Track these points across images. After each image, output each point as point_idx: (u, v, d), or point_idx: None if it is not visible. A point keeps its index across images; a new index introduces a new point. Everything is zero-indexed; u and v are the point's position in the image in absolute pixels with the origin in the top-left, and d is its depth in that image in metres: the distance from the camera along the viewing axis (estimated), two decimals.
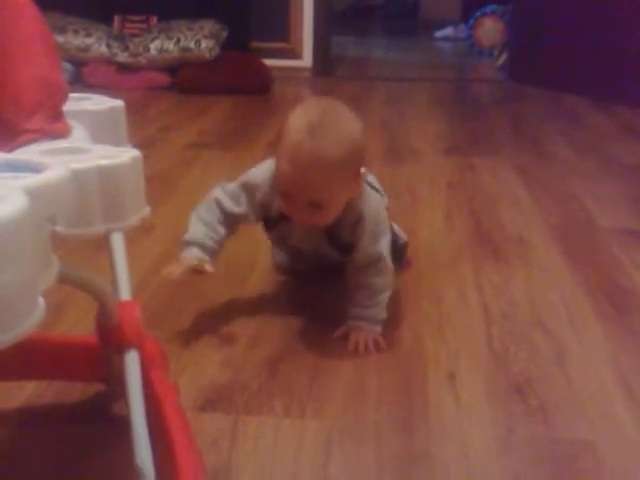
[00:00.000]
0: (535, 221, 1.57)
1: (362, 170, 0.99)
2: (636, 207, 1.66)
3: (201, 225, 1.04)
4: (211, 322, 1.11)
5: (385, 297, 1.05)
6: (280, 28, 3.18)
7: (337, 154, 0.92)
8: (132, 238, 1.40)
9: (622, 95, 2.70)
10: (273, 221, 1.08)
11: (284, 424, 0.88)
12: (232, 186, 1.07)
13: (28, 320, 0.45)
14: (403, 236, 1.28)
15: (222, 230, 1.05)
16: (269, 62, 2.96)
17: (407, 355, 1.00)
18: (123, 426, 0.69)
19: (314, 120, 0.93)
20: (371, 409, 0.92)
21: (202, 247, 1.03)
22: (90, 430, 0.87)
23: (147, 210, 0.61)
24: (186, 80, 2.82)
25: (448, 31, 4.64)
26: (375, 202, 1.06)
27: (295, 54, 3.24)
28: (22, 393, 0.92)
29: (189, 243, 1.03)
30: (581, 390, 0.97)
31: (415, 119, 2.55)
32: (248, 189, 1.06)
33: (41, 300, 0.47)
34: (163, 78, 2.86)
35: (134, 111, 2.48)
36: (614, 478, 0.81)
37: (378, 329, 1.05)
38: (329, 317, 1.13)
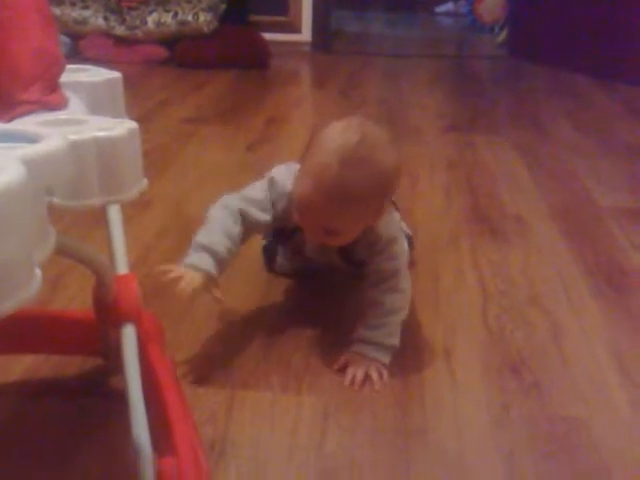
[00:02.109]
0: (534, 200, 1.57)
1: (388, 202, 0.92)
2: (636, 186, 1.66)
3: (223, 237, 0.92)
4: (209, 298, 1.11)
5: (397, 320, 0.95)
6: (279, 1, 3.14)
7: (364, 188, 0.85)
8: (130, 213, 1.40)
9: (624, 73, 2.68)
10: (289, 232, 1.01)
11: (281, 399, 0.89)
12: (257, 194, 0.97)
13: (25, 291, 0.44)
14: (408, 232, 1.20)
15: (239, 244, 0.95)
16: (268, 36, 2.93)
17: (403, 332, 1.00)
18: (121, 400, 0.69)
19: (350, 146, 0.85)
20: (367, 385, 0.92)
21: (213, 254, 0.91)
22: (88, 403, 0.88)
23: (145, 183, 0.60)
24: (184, 54, 2.79)
25: (449, 6, 4.59)
26: (393, 221, 0.99)
27: (294, 28, 3.20)
28: (20, 366, 0.92)
29: (204, 248, 0.91)
30: (576, 368, 0.97)
31: (414, 96, 2.53)
32: (277, 192, 0.96)
33: (38, 271, 0.46)
34: (161, 52, 2.84)
35: (132, 85, 2.46)
36: (608, 455, 0.81)
37: (384, 358, 0.94)
38: (327, 296, 1.13)
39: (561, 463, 0.80)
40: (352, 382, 0.92)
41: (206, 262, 0.90)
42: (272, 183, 0.97)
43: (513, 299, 1.15)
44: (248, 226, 0.96)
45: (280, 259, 1.17)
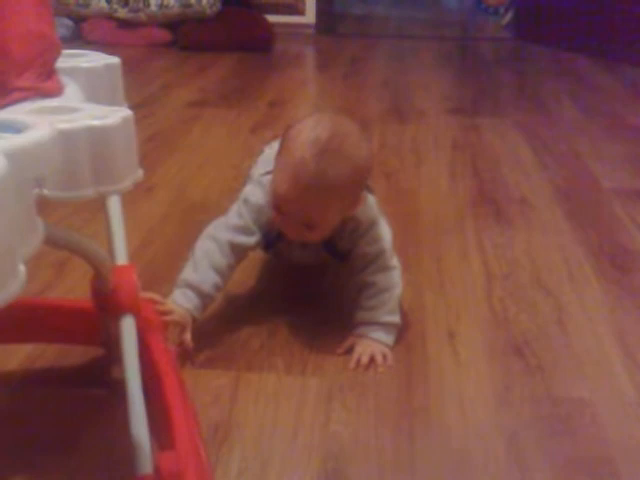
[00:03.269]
0: (538, 181, 1.57)
1: (363, 193, 0.93)
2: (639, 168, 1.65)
3: (212, 272, 0.93)
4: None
5: (392, 296, 0.96)
6: None
7: (339, 179, 0.86)
8: (132, 198, 1.40)
9: (629, 55, 2.66)
10: (272, 240, 0.99)
11: (285, 380, 0.89)
12: (234, 220, 0.96)
13: (5, 290, 0.42)
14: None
15: (229, 275, 0.96)
16: (271, 18, 2.91)
17: (407, 313, 1.00)
18: (121, 390, 0.69)
19: (323, 140, 0.86)
20: (371, 367, 0.92)
21: (199, 294, 0.92)
22: (88, 393, 0.88)
23: (140, 173, 0.58)
24: (187, 37, 2.78)
25: None
26: (371, 205, 0.98)
27: (298, 10, 3.18)
28: (21, 354, 0.92)
29: (193, 289, 0.92)
30: (580, 350, 0.98)
31: (419, 78, 2.52)
32: (254, 210, 0.96)
33: (22, 268, 0.44)
34: (164, 35, 2.82)
35: (135, 68, 2.46)
36: (611, 436, 0.82)
37: (387, 339, 0.95)
38: (331, 277, 1.14)
39: (564, 444, 0.80)
40: (357, 365, 0.92)
41: (191, 301, 0.92)
42: (246, 204, 0.97)
43: (517, 281, 1.15)
44: (239, 254, 0.97)
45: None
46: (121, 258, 0.75)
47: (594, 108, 2.14)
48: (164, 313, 0.89)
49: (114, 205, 0.76)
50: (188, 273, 0.94)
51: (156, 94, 2.17)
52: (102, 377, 0.89)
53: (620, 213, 1.40)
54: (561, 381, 0.91)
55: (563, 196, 1.49)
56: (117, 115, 0.55)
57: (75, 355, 0.92)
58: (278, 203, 0.90)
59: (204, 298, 0.93)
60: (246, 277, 1.12)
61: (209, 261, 0.93)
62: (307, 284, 1.13)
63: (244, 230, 0.96)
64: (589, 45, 2.79)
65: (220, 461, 0.76)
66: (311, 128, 0.88)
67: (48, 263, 1.13)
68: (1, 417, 0.83)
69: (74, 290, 1.06)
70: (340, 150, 0.87)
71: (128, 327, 0.72)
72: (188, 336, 0.92)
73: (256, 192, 0.97)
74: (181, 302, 0.92)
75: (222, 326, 1.00)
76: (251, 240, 0.96)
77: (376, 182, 1.50)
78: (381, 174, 1.57)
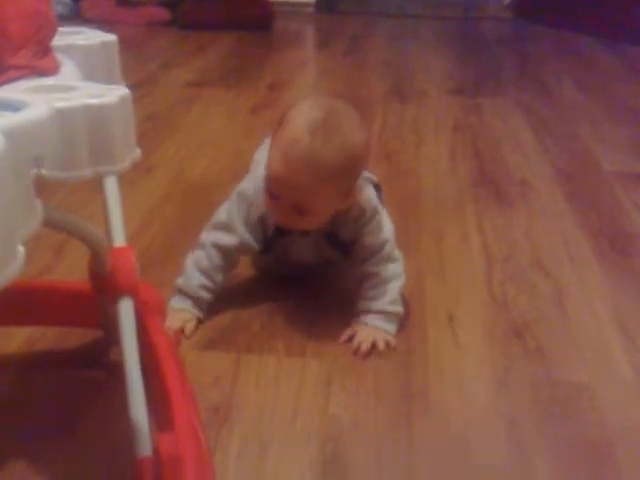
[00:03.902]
0: (539, 163, 1.56)
1: (358, 185, 0.91)
2: None
3: (198, 274, 0.95)
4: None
5: (395, 287, 0.95)
6: None
7: (334, 161, 0.84)
8: (132, 179, 1.39)
9: (632, 35, 2.63)
10: (270, 239, 0.97)
11: (285, 363, 0.90)
12: (221, 215, 0.96)
13: (4, 271, 0.41)
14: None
15: (219, 277, 0.97)
16: None
17: (407, 296, 1.00)
18: (120, 372, 0.68)
19: (318, 119, 0.84)
20: (372, 353, 0.92)
21: (195, 300, 0.95)
22: (87, 376, 0.87)
23: (138, 152, 0.57)
24: (186, 15, 2.75)
25: None
26: (372, 195, 0.96)
27: None
28: (20, 337, 0.92)
29: (182, 293, 0.96)
30: (579, 333, 0.98)
31: (420, 57, 2.50)
32: (243, 202, 0.95)
33: (21, 249, 0.43)
34: (163, 13, 2.80)
35: (133, 47, 2.43)
36: (610, 419, 0.82)
37: (389, 327, 0.94)
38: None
39: (563, 427, 0.81)
40: (358, 351, 0.91)
41: (184, 302, 0.96)
42: (238, 198, 0.95)
43: (517, 263, 1.15)
44: (227, 257, 0.96)
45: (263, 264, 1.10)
46: (118, 240, 0.74)
47: (596, 89, 2.12)
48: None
49: (111, 186, 0.75)
50: (179, 280, 0.97)
51: (155, 73, 2.15)
52: (101, 360, 0.89)
53: (621, 196, 1.40)
54: (560, 364, 0.91)
55: (564, 178, 1.48)
56: (115, 94, 0.53)
57: (74, 338, 0.92)
58: (270, 185, 0.88)
59: (195, 300, 0.96)
60: (246, 261, 1.12)
61: (195, 264, 0.96)
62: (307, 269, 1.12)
63: (226, 227, 0.95)
64: (592, 25, 2.76)
65: (220, 442, 0.76)
66: (307, 111, 0.87)
67: (47, 245, 1.13)
68: (0, 400, 0.83)
69: (73, 272, 1.06)
70: (335, 132, 0.84)
71: (126, 309, 0.71)
72: (189, 326, 0.94)
73: (249, 185, 0.96)
74: (176, 306, 0.95)
75: (223, 308, 1.00)
76: (232, 240, 0.95)
77: (377, 163, 1.49)
78: (382, 155, 1.57)
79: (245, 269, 1.10)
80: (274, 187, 0.88)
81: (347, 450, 0.76)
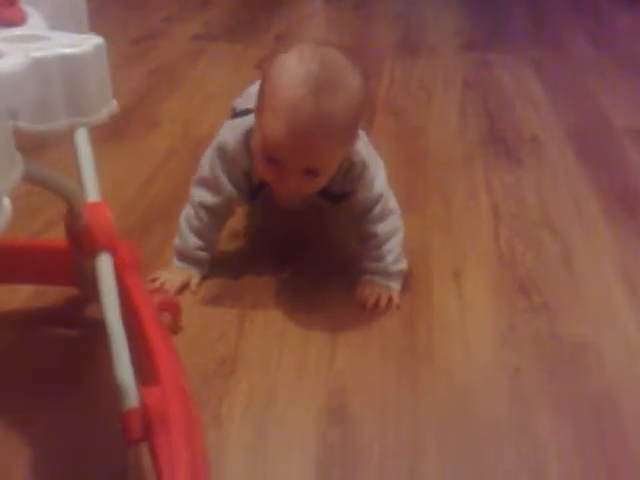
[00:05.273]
0: (549, 120, 1.54)
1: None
2: None
3: (191, 236, 0.95)
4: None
5: (396, 243, 0.94)
6: None
7: (343, 115, 0.79)
8: (138, 134, 1.39)
9: None
10: (254, 190, 0.94)
11: (291, 318, 0.90)
12: (204, 169, 0.94)
13: None
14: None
15: (213, 234, 0.96)
16: None
17: (412, 253, 1.00)
18: (100, 330, 0.67)
19: (314, 73, 0.77)
20: (377, 309, 0.92)
21: (194, 261, 0.96)
22: (65, 334, 0.87)
23: (114, 104, 0.55)
24: None
25: None
26: (363, 143, 0.92)
27: None
28: (22, 295, 0.92)
29: (180, 255, 0.96)
30: (585, 289, 0.98)
31: (431, 11, 2.45)
32: (225, 157, 0.91)
33: (7, 202, 0.43)
34: None
35: (137, 1, 2.39)
36: (614, 375, 0.82)
37: (394, 285, 0.94)
38: (341, 217, 1.13)
39: (567, 382, 0.81)
40: (364, 303, 0.92)
41: (183, 262, 0.96)
42: (220, 150, 0.91)
43: (525, 221, 1.14)
44: (215, 216, 0.95)
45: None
46: (92, 194, 0.72)
47: (611, 47, 2.08)
48: (160, 287, 0.92)
49: (82, 140, 0.73)
50: (176, 239, 0.97)
51: (158, 27, 2.11)
52: (79, 317, 0.88)
53: (631, 153, 1.38)
54: (566, 320, 0.91)
55: (575, 135, 1.46)
56: (89, 43, 0.52)
57: (49, 296, 0.91)
58: (273, 151, 0.81)
59: (194, 260, 0.96)
60: (250, 219, 1.11)
61: (188, 225, 0.95)
62: (311, 226, 1.12)
63: (210, 184, 0.93)
64: None
65: (227, 393, 0.77)
66: (298, 63, 0.79)
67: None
68: None
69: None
70: (336, 82, 0.79)
71: (105, 265, 0.69)
72: (194, 281, 0.95)
73: (228, 139, 0.91)
74: (176, 265, 0.96)
75: (228, 265, 1.00)
76: (216, 198, 0.93)
77: (385, 120, 1.48)
78: (389, 112, 1.55)
79: (247, 226, 1.09)
80: (278, 154, 0.81)
81: (352, 402, 0.77)
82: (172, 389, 0.63)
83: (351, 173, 0.90)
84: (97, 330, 0.70)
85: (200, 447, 0.61)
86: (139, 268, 0.81)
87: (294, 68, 0.79)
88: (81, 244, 0.72)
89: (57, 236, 0.87)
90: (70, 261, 0.81)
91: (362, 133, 0.95)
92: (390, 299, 0.93)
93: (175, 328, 0.86)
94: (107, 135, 1.34)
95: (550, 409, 0.77)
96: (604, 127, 1.50)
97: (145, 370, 0.66)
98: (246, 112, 0.93)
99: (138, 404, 0.62)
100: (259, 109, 0.83)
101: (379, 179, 0.93)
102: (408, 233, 0.97)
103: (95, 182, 0.73)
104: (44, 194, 0.68)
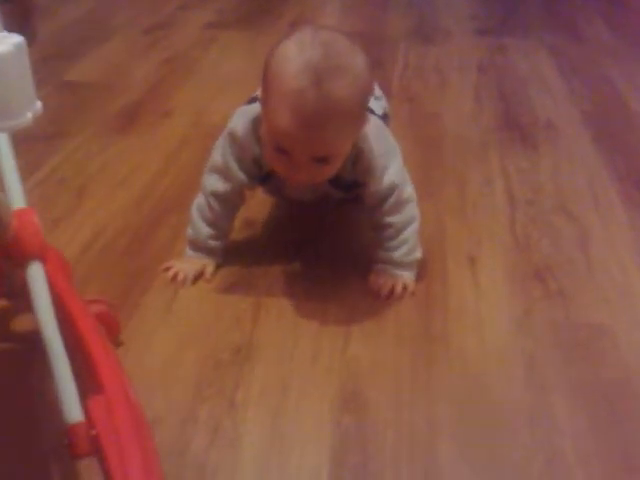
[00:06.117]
0: (565, 105, 1.52)
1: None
2: None
3: (204, 225, 0.94)
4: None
5: (411, 232, 0.92)
6: None
7: (351, 99, 0.77)
8: (151, 122, 1.39)
9: None
10: (264, 178, 0.93)
11: (305, 306, 0.90)
12: (216, 157, 0.92)
13: None
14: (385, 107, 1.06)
15: (225, 223, 0.96)
16: None
17: (428, 239, 0.99)
18: (37, 341, 0.64)
19: (315, 59, 0.75)
20: (391, 298, 0.92)
21: (207, 251, 0.96)
22: (8, 348, 0.83)
23: (39, 106, 0.51)
24: None
25: None
26: (373, 126, 0.88)
27: None
28: None
29: (194, 245, 0.96)
30: (601, 276, 0.97)
31: None
32: (235, 144, 0.90)
33: None
34: None
35: None
36: (630, 362, 0.82)
37: (409, 274, 0.93)
38: (349, 208, 1.13)
39: (582, 367, 0.81)
40: (378, 291, 0.92)
41: (196, 253, 0.96)
42: (231, 137, 0.90)
43: (541, 207, 1.13)
44: (227, 203, 0.94)
45: None
46: (18, 201, 0.69)
47: (628, 31, 2.05)
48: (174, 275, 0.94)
49: (3, 144, 0.69)
50: (188, 230, 0.97)
51: (171, 15, 2.11)
52: (12, 330, 0.84)
53: None
54: (581, 306, 0.91)
55: (591, 120, 1.44)
56: (9, 42, 0.48)
57: None
58: (281, 142, 0.79)
59: (207, 250, 0.96)
60: (264, 208, 1.11)
61: (200, 214, 0.95)
62: (324, 216, 1.11)
63: (221, 171, 0.92)
64: None
65: (242, 380, 0.78)
66: (297, 50, 0.77)
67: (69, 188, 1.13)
68: None
69: (95, 214, 1.07)
70: (338, 67, 0.76)
71: (37, 273, 0.67)
72: (209, 270, 0.95)
73: (238, 125, 0.90)
74: (189, 255, 0.96)
75: (243, 253, 1.00)
76: (228, 186, 0.92)
77: (399, 106, 1.47)
78: (404, 98, 1.54)
79: (264, 214, 1.10)
80: (286, 144, 0.79)
81: (367, 389, 0.77)
82: (117, 396, 0.60)
83: (360, 160, 0.88)
84: (31, 343, 0.67)
85: (152, 453, 0.58)
86: (70, 276, 0.78)
87: (294, 56, 0.77)
88: (10, 253, 0.68)
89: None
90: None
91: (381, 123, 0.94)
92: (405, 287, 0.92)
93: (115, 341, 0.81)
94: (119, 125, 1.35)
95: (565, 395, 0.77)
96: (620, 111, 1.49)
97: (86, 380, 0.63)
98: (255, 99, 0.93)
99: (83, 418, 0.59)
100: (264, 99, 0.81)
101: (392, 169, 0.90)
102: (423, 219, 0.96)
103: (20, 188, 0.69)
104: None
